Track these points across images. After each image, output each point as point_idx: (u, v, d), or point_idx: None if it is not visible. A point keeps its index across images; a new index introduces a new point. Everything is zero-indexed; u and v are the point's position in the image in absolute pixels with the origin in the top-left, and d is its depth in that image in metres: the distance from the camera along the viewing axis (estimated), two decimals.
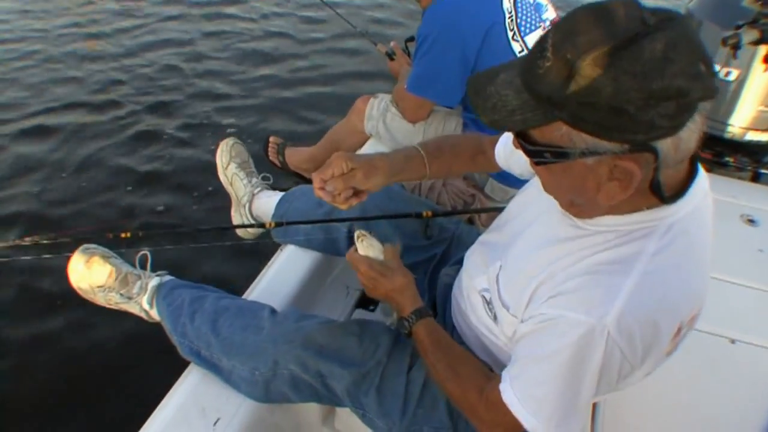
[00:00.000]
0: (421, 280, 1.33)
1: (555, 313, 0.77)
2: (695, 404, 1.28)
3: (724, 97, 2.15)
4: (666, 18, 0.60)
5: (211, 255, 2.08)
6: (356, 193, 1.04)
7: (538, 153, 0.70)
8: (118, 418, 1.63)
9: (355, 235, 1.06)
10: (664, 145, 0.64)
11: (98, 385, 1.79)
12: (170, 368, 1.24)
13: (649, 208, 0.75)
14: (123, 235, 1.33)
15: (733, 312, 1.54)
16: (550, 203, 0.84)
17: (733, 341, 1.45)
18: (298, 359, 1.10)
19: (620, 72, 0.59)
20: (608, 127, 0.62)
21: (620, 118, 0.61)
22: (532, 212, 0.95)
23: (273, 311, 1.22)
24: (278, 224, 1.42)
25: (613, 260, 0.75)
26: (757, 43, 1.92)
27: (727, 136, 2.21)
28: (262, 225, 1.51)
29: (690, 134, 0.65)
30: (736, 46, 1.88)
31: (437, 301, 1.26)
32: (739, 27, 1.91)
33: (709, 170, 2.21)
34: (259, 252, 1.71)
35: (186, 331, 1.21)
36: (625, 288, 0.72)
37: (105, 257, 1.36)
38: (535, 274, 0.84)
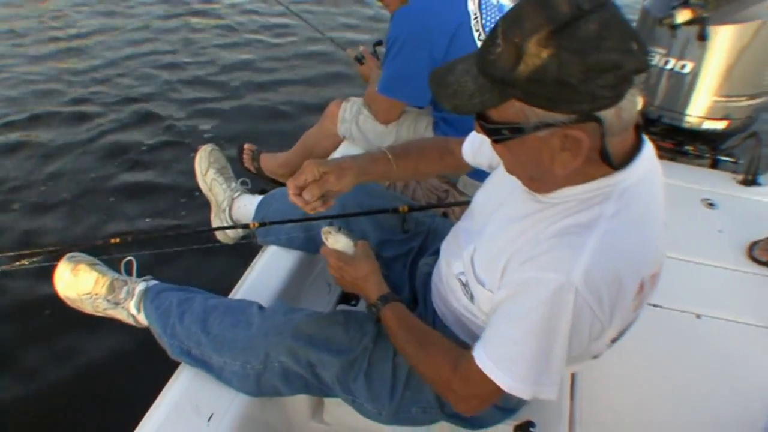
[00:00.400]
0: (401, 271, 1.38)
1: (526, 276, 0.82)
2: (667, 376, 1.37)
3: (681, 88, 2.26)
4: (598, 3, 0.68)
5: (195, 258, 2.10)
6: (324, 198, 1.08)
7: (496, 131, 0.77)
8: (109, 426, 1.64)
9: (322, 232, 1.14)
10: (608, 114, 0.72)
11: (87, 394, 1.81)
12: (160, 373, 1.26)
13: (602, 176, 0.81)
14: (113, 240, 1.35)
15: (697, 289, 1.64)
16: (514, 185, 0.91)
17: (698, 316, 1.55)
18: (289, 350, 1.14)
19: (561, 50, 0.67)
20: (556, 99, 0.71)
21: (566, 90, 0.69)
22: (498, 196, 1.02)
23: (261, 307, 1.25)
24: (261, 224, 1.46)
25: (576, 224, 0.82)
26: (690, 23, 2.06)
27: (686, 125, 2.31)
28: (246, 226, 1.55)
29: (629, 104, 0.73)
30: (672, 26, 2.04)
31: (418, 290, 1.30)
32: (674, 8, 2.05)
33: (671, 159, 2.39)
34: (241, 254, 1.73)
35: (176, 331, 1.23)
36: (588, 246, 0.78)
37: (91, 265, 1.38)
38: (506, 249, 0.90)
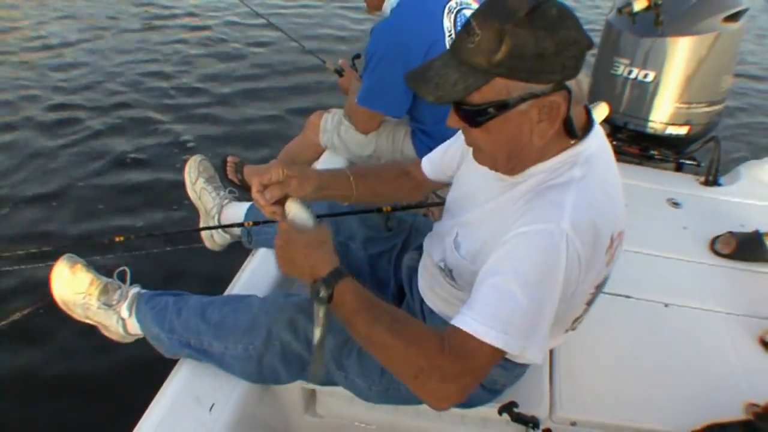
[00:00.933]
0: (387, 267, 1.46)
1: (515, 232, 0.86)
2: (639, 359, 1.47)
3: (645, 96, 2.41)
4: None
5: (185, 263, 2.17)
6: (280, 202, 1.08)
7: (481, 112, 0.86)
8: (109, 423, 1.65)
9: (287, 203, 1.05)
10: (572, 84, 0.85)
11: (86, 391, 1.88)
12: (158, 373, 1.29)
13: (566, 149, 0.93)
14: (117, 238, 1.38)
15: (665, 281, 1.76)
16: (484, 176, 1.00)
17: (666, 305, 1.66)
18: (290, 323, 1.17)
19: (536, 28, 0.80)
20: (536, 71, 0.82)
21: (543, 62, 0.81)
22: (471, 189, 1.10)
23: (258, 297, 1.31)
24: (256, 223, 1.53)
25: (551, 187, 0.91)
26: (647, 9, 2.24)
27: (650, 131, 2.46)
28: (241, 224, 1.61)
29: (584, 77, 0.87)
30: (632, 14, 2.24)
31: (404, 282, 1.36)
32: None
33: (638, 163, 2.54)
34: (231, 258, 1.78)
35: (173, 326, 1.27)
36: (568, 201, 0.87)
37: (87, 267, 1.42)
38: (488, 230, 0.96)
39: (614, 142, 2.53)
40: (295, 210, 1.03)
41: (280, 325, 1.19)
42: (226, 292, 1.50)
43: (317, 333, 0.96)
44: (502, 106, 0.84)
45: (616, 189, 0.97)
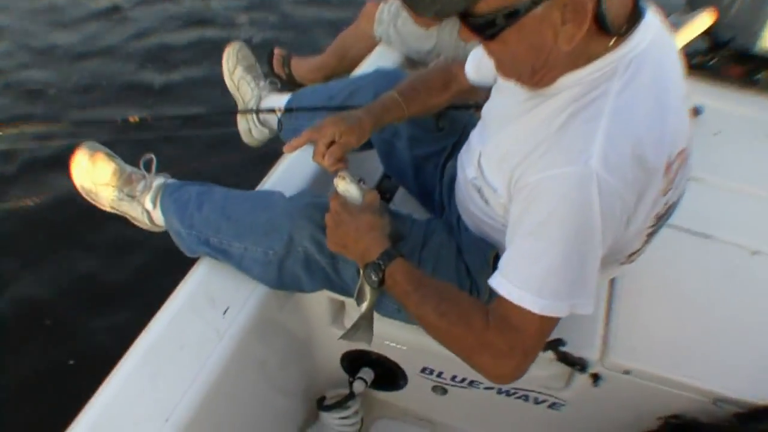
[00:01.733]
0: (433, 173, 1.37)
1: (537, 177, 0.79)
2: (712, 311, 1.30)
3: (763, 6, 2.07)
4: None
5: (217, 158, 2.09)
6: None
7: (490, 23, 0.73)
8: (121, 321, 1.71)
9: (337, 176, 1.06)
10: None
11: (97, 292, 1.89)
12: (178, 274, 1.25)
13: (605, 53, 0.79)
14: (131, 119, 1.30)
15: (756, 225, 1.54)
16: (513, 91, 0.91)
17: (754, 253, 1.46)
18: (313, 238, 1.12)
19: None
20: None
21: None
22: (501, 101, 1.03)
23: (283, 195, 1.23)
24: (288, 110, 1.45)
25: (582, 108, 0.79)
26: None
27: (759, 51, 2.14)
28: (272, 110, 1.51)
29: None
30: None
31: (443, 193, 1.30)
32: None
33: (739, 87, 2.22)
34: (268, 158, 1.68)
35: (193, 221, 1.22)
36: (600, 129, 0.76)
37: (109, 156, 1.35)
38: (511, 153, 0.88)
39: (713, 60, 2.22)
40: (344, 186, 1.04)
41: (303, 233, 1.12)
42: (257, 188, 1.42)
43: (364, 307, 0.99)
44: (513, 14, 0.72)
45: (673, 96, 0.83)
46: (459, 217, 1.18)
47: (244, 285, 1.21)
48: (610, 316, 1.26)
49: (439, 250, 1.13)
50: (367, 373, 1.44)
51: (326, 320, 1.38)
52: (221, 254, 1.21)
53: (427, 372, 1.39)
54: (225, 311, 1.16)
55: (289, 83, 2.39)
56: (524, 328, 0.80)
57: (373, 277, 0.93)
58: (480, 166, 1.00)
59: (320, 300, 1.32)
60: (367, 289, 0.97)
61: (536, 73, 0.82)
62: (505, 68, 0.86)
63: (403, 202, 1.50)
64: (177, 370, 1.05)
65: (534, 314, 0.79)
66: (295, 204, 1.17)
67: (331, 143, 1.16)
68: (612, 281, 1.33)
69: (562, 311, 0.80)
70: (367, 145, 1.42)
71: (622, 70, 0.79)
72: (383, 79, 1.41)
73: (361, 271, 0.96)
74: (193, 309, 1.15)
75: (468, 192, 1.10)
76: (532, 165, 0.82)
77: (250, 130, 1.75)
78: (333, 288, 1.19)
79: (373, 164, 1.55)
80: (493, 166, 0.96)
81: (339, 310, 1.39)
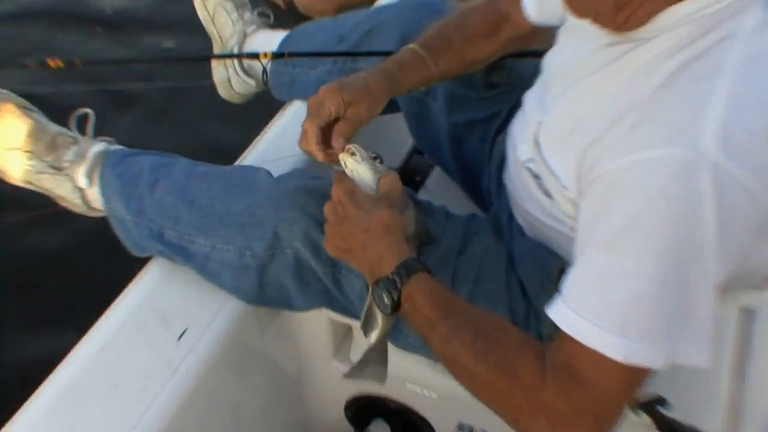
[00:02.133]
0: (479, 147, 1.37)
1: (620, 163, 0.77)
2: None
3: None
4: None
5: (184, 119, 2.10)
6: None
7: None
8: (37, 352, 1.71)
9: (345, 150, 1.04)
10: None
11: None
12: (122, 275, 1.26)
13: None
14: (51, 63, 1.29)
15: None
16: (588, 37, 0.92)
17: None
18: (307, 236, 1.11)
19: None
20: None
21: None
22: (573, 49, 1.01)
23: (269, 174, 1.23)
24: (278, 55, 1.42)
25: (692, 60, 0.77)
26: None
27: None
28: (255, 55, 1.48)
29: None
30: None
31: (491, 178, 1.30)
32: None
33: None
34: (253, 118, 1.69)
35: (143, 206, 1.22)
36: (718, 90, 0.73)
37: (22, 108, 1.34)
38: (584, 124, 0.87)
39: None
40: (352, 165, 1.02)
41: (294, 229, 1.12)
42: (238, 161, 1.45)
43: (373, 338, 0.98)
44: None
45: None
46: (512, 214, 1.18)
47: (210, 298, 1.21)
48: (743, 368, 1.21)
49: (482, 260, 1.12)
50: (381, 427, 1.43)
51: (326, 351, 1.38)
52: (180, 254, 1.20)
53: (465, 431, 1.37)
54: (181, 335, 1.16)
55: (289, 14, 2.40)
56: (598, 383, 0.76)
57: (385, 299, 0.90)
58: (537, 144, 0.99)
59: (317, 322, 1.32)
60: (378, 315, 0.94)
61: (622, 6, 0.80)
62: (577, 0, 0.85)
63: (439, 187, 1.49)
64: (107, 418, 1.04)
65: (614, 362, 0.74)
66: (284, 188, 1.17)
67: (335, 121, 1.10)
68: (745, 315, 1.27)
69: (656, 360, 0.75)
70: (391, 107, 1.40)
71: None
72: (415, 12, 1.39)
73: (370, 289, 0.94)
74: (136, 331, 1.15)
75: (522, 180, 1.09)
76: (614, 144, 0.80)
77: (229, 80, 1.74)
78: (334, 306, 1.18)
79: (398, 133, 1.54)
80: (557, 143, 0.95)
81: (344, 336, 1.39)
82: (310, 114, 1.06)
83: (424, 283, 0.90)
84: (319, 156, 1.05)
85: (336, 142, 1.04)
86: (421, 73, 1.18)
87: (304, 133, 1.07)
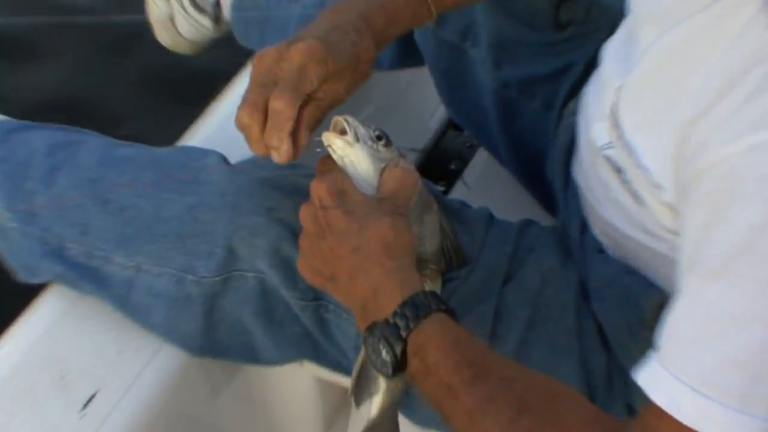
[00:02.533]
0: (541, 118, 1.40)
1: (737, 148, 0.75)
2: None
3: None
4: None
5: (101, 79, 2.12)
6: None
7: None
8: None
9: (332, 122, 1.02)
10: None
11: None
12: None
13: None
14: None
15: None
16: None
17: None
18: (277, 254, 1.11)
19: None
20: None
21: None
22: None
23: (225, 160, 1.23)
24: None
25: None
26: None
27: None
28: None
29: None
30: None
31: (554, 174, 1.33)
32: None
33: None
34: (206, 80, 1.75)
35: (34, 206, 1.21)
36: None
37: None
38: (683, 91, 0.86)
39: None
40: (342, 150, 1.00)
41: (256, 242, 1.13)
42: (180, 140, 1.48)
43: (374, 409, 0.97)
44: None
45: None
46: (585, 224, 1.19)
47: (133, 346, 1.21)
48: None
49: (540, 292, 1.12)
50: None
51: (311, 425, 1.43)
52: (88, 279, 1.20)
53: None
54: (87, 401, 1.14)
55: None
56: None
57: (384, 353, 0.87)
58: (617, 121, 1.01)
59: (297, 383, 1.36)
60: (378, 376, 0.93)
61: None
62: None
63: (484, 179, 1.49)
64: None
65: None
66: (243, 180, 1.18)
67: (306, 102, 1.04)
68: None
69: None
70: (410, 57, 1.39)
71: None
72: None
73: (363, 339, 0.92)
74: (19, 396, 1.14)
75: (599, 175, 1.11)
76: (729, 119, 0.78)
77: (173, 19, 1.81)
78: (320, 358, 1.21)
79: (424, 99, 1.53)
80: (645, 120, 0.97)
81: (338, 403, 1.44)
82: (287, 84, 0.97)
83: (441, 330, 0.87)
84: (283, 153, 0.99)
85: (304, 134, 1.01)
86: (412, 12, 1.17)
87: (275, 114, 0.97)
